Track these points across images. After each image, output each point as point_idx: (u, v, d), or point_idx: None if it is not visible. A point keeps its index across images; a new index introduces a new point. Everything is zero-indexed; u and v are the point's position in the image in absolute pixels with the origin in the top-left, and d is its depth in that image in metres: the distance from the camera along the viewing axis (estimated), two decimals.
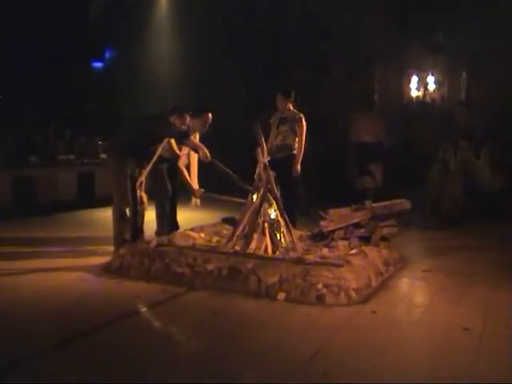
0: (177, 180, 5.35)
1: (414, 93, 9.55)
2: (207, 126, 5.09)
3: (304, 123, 5.78)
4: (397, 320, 3.48)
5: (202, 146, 4.83)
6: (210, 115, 5.10)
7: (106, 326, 3.26)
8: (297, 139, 5.76)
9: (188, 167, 5.31)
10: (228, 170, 4.85)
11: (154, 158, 4.85)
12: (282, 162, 5.67)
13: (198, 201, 5.12)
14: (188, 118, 4.81)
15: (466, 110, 6.59)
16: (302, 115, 5.83)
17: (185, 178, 5.26)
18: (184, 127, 4.83)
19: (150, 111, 5.17)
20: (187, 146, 4.85)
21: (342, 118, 9.23)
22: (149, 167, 4.84)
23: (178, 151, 5.16)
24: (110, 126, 6.63)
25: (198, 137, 5.15)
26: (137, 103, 8.87)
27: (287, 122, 5.78)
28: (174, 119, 4.76)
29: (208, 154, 4.78)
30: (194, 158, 5.25)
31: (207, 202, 5.63)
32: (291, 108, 5.82)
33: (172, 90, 9.08)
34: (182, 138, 4.74)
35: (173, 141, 5.02)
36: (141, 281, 4.16)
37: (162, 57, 10.12)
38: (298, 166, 5.71)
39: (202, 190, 5.29)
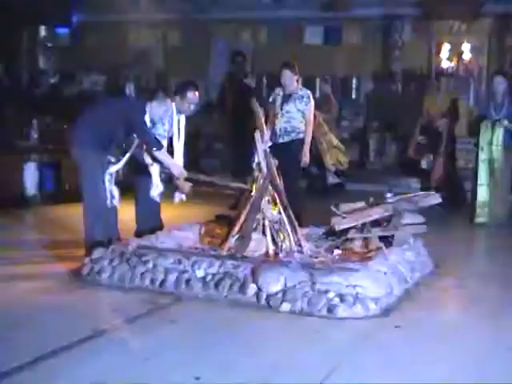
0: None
1: (445, 63, 9.54)
2: (193, 106, 5.07)
3: (313, 101, 5.84)
4: (424, 337, 3.47)
5: (175, 163, 4.88)
6: (195, 93, 5.05)
7: (63, 351, 3.12)
8: (305, 121, 5.80)
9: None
10: (213, 179, 4.96)
11: (133, 147, 4.88)
12: (287, 148, 5.68)
13: (184, 196, 5.09)
14: (171, 103, 4.86)
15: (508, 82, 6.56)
16: (309, 92, 5.88)
17: (166, 156, 5.10)
18: (162, 113, 4.85)
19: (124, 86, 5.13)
20: (159, 159, 4.86)
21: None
22: (126, 157, 4.85)
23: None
24: (74, 104, 6.61)
25: (183, 121, 5.13)
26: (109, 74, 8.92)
27: (293, 101, 5.79)
28: (154, 105, 4.80)
29: (183, 172, 4.84)
30: (182, 134, 5.17)
31: (197, 197, 5.62)
32: (296, 84, 5.84)
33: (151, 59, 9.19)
34: (154, 147, 4.76)
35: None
36: (117, 290, 4.16)
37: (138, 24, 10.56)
38: (307, 152, 5.76)
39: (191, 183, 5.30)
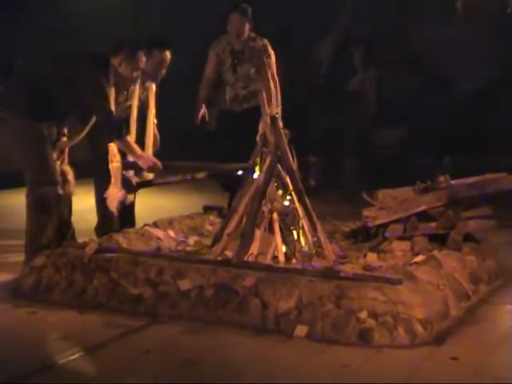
0: None
1: None
2: (164, 69, 5.17)
3: (272, 52, 5.95)
4: (492, 374, 3.45)
5: (143, 154, 4.88)
6: (167, 54, 5.16)
7: None
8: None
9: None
10: (196, 164, 5.23)
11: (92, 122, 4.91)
12: (249, 117, 5.79)
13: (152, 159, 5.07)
14: (143, 60, 4.88)
15: None
16: (266, 41, 5.99)
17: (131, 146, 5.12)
18: (135, 75, 4.86)
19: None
20: (121, 147, 4.83)
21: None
22: (86, 128, 4.88)
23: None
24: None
25: (154, 89, 5.20)
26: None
27: (248, 59, 5.96)
28: (119, 62, 4.79)
29: (155, 164, 4.85)
30: (151, 110, 5.27)
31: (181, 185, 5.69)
32: (246, 32, 5.94)
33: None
34: (111, 132, 4.75)
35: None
36: (71, 310, 4.17)
37: None
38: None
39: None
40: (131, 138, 4.98)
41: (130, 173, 4.99)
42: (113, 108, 4.74)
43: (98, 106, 4.73)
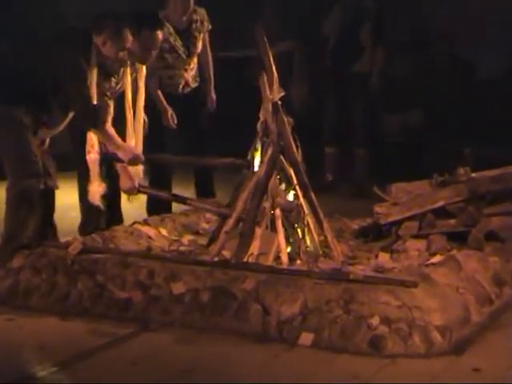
0: None
1: None
2: (155, 50, 5.14)
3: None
4: None
5: (124, 145, 4.85)
6: (158, 33, 5.12)
7: None
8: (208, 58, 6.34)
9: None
10: (182, 158, 5.47)
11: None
12: (194, 97, 6.20)
13: (141, 169, 5.08)
14: (129, 39, 4.85)
15: None
16: (204, 11, 6.21)
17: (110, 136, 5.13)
18: (121, 56, 4.81)
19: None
20: (99, 137, 4.84)
21: None
22: (65, 120, 4.87)
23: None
24: None
25: (144, 71, 5.19)
26: None
27: (195, 36, 6.11)
28: (102, 41, 4.74)
29: (136, 156, 4.84)
30: (141, 94, 5.24)
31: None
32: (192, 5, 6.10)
33: None
34: (88, 121, 4.72)
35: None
36: (51, 316, 4.18)
37: None
38: (213, 95, 6.38)
39: None
40: (138, 127, 5.04)
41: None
42: (94, 94, 4.71)
43: (74, 90, 4.68)
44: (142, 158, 4.89)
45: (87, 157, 4.83)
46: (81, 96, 4.67)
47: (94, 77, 4.71)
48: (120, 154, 4.84)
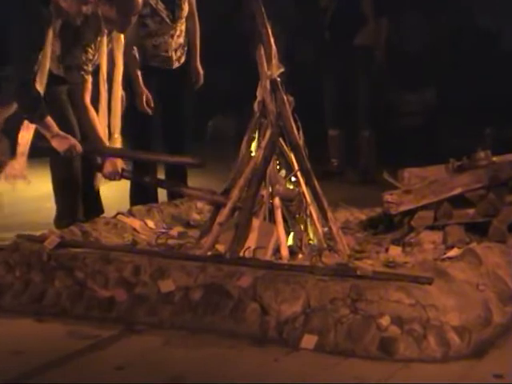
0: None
1: None
2: (134, 15, 5.10)
3: None
4: None
5: (60, 134, 4.78)
6: None
7: None
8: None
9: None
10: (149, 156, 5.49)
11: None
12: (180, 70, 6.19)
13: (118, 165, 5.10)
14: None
15: None
16: None
17: (91, 121, 5.20)
18: (85, 10, 4.75)
19: None
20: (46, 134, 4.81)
21: None
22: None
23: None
24: None
25: (122, 41, 5.20)
26: None
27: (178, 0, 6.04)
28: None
29: (74, 145, 4.78)
30: (119, 67, 5.24)
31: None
32: None
33: None
34: (25, 107, 4.67)
35: None
36: (26, 317, 4.20)
37: None
38: (199, 68, 6.35)
39: None
40: (115, 104, 5.07)
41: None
42: (46, 71, 4.64)
43: (17, 64, 4.60)
44: (80, 148, 4.82)
45: (19, 134, 4.79)
46: (23, 74, 4.57)
47: (55, 47, 4.72)
48: (54, 144, 4.77)
